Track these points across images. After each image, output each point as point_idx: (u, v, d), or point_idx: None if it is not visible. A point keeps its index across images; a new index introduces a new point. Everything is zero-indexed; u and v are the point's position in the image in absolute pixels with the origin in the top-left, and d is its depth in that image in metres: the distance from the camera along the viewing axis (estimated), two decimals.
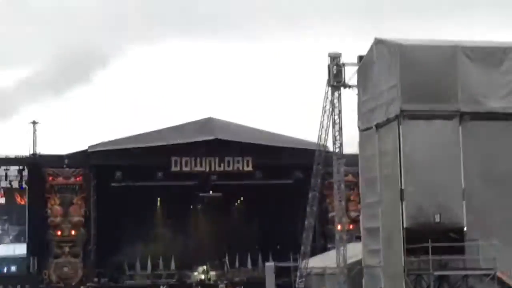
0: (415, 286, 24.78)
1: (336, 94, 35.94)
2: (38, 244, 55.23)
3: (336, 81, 35.17)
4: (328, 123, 37.47)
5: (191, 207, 65.67)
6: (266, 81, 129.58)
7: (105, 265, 57.58)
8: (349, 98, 34.54)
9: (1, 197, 56.91)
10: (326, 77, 35.67)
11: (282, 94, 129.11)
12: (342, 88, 35.50)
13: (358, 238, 40.55)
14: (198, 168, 56.98)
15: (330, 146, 41.67)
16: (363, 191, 30.10)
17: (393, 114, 25.90)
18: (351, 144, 37.93)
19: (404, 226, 24.80)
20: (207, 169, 56.94)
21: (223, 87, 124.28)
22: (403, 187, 25.01)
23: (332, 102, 36.25)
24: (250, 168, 57.09)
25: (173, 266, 60.07)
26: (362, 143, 29.92)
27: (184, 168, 56.55)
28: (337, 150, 38.29)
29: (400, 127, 25.36)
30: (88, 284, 52.64)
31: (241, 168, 57.24)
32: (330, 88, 35.71)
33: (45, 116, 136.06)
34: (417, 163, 25.18)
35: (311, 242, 42.84)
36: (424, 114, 25.46)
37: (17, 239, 56.83)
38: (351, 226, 47.55)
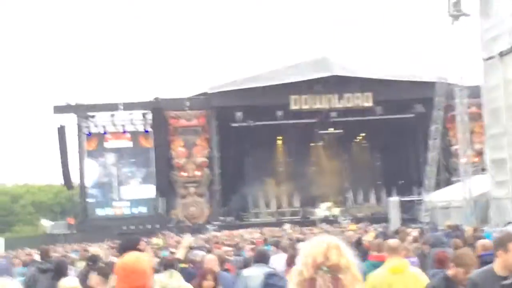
0: None
1: (456, 23, 35.02)
2: (165, 185, 56.78)
3: (455, 10, 34.26)
4: (449, 53, 36.60)
5: (312, 144, 65.79)
6: (381, 14, 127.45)
7: (230, 204, 58.71)
8: (470, 27, 33.65)
9: (129, 140, 58.52)
10: (445, 6, 34.80)
11: (399, 27, 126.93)
12: (462, 17, 34.56)
13: (483, 171, 39.83)
14: (318, 106, 56.82)
15: (450, 78, 40.84)
16: (487, 122, 29.36)
17: None
18: (473, 75, 37.08)
19: None
20: (327, 106, 56.71)
21: (336, 24, 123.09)
22: None
23: (452, 32, 35.38)
24: (370, 104, 56.50)
25: (296, 203, 60.64)
26: (485, 73, 29.03)
27: (303, 106, 56.51)
28: (459, 81, 37.45)
29: None
30: (214, 222, 53.79)
31: (360, 104, 56.70)
32: (450, 17, 34.80)
33: (165, 61, 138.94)
34: None
35: (435, 175, 42.36)
36: None
37: (144, 181, 58.44)
38: (476, 159, 46.66)
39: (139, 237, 6.41)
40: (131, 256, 5.42)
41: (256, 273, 10.16)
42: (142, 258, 5.36)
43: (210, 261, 10.18)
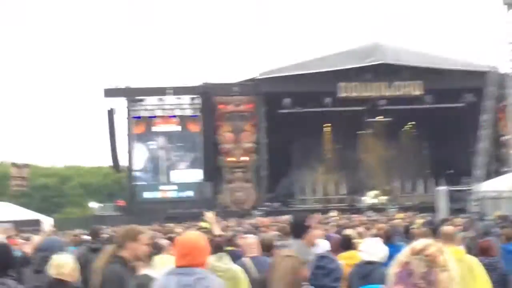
0: None
1: (510, 11, 34.51)
2: (212, 170, 57.04)
3: None
4: (502, 42, 36.10)
5: (360, 132, 65.41)
6: (434, 0, 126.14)
7: (276, 190, 58.67)
8: None
9: (177, 125, 58.95)
10: None
11: (452, 14, 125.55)
12: None
13: None
14: (366, 93, 56.48)
15: (502, 67, 40.30)
16: None
17: None
18: None
19: None
20: (376, 94, 56.32)
21: (388, 10, 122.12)
22: None
23: (506, 21, 34.89)
24: (419, 92, 55.96)
25: (343, 191, 60.37)
26: None
27: (352, 94, 56.22)
28: (511, 70, 36.94)
29: None
30: (260, 208, 53.83)
31: (410, 92, 56.21)
32: (504, 5, 34.32)
33: (215, 45, 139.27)
34: None
35: (485, 165, 41.92)
36: None
37: (192, 165, 58.84)
38: None
39: (308, 214, 6.54)
40: (191, 234, 5.49)
41: None
42: (202, 236, 5.44)
43: (251, 244, 10.14)
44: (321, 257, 6.28)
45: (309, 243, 5.71)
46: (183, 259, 5.11)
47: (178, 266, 5.13)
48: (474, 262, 7.07)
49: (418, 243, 3.12)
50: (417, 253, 3.05)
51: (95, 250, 11.46)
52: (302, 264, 5.47)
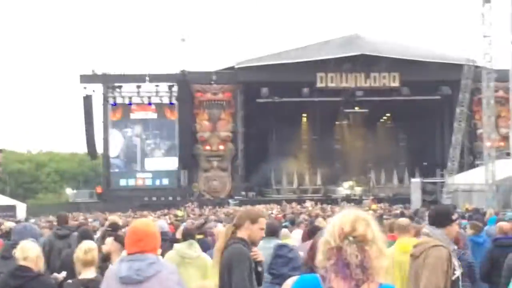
0: None
1: (487, 5, 34.72)
2: (187, 158, 56.94)
3: None
4: (479, 36, 36.33)
5: (337, 123, 65.58)
6: None
7: (252, 179, 58.69)
8: (501, 10, 33.34)
9: (153, 112, 58.69)
10: None
11: (430, 6, 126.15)
12: None
13: (508, 155, 39.64)
14: (344, 84, 56.54)
15: (479, 61, 40.56)
16: None
17: None
18: (502, 59, 36.79)
19: None
20: (353, 85, 56.41)
21: (367, 1, 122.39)
22: None
23: (482, 14, 35.09)
24: (396, 84, 56.13)
25: (319, 181, 60.52)
26: None
27: (330, 84, 56.27)
28: (487, 64, 37.17)
29: None
30: (235, 197, 53.90)
31: (387, 83, 56.36)
32: None
33: (193, 33, 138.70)
34: None
35: (458, 158, 42.21)
36: None
37: (168, 153, 58.67)
38: (501, 143, 46.30)
39: (451, 207, 6.78)
40: (142, 221, 5.58)
41: (262, 245, 10.31)
42: (152, 223, 5.53)
43: (221, 233, 10.21)
44: (280, 246, 6.36)
45: (449, 235, 5.91)
46: (135, 246, 5.17)
47: (130, 253, 5.20)
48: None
49: (345, 222, 3.01)
50: (346, 235, 2.98)
51: (62, 237, 11.48)
52: (450, 254, 5.70)
